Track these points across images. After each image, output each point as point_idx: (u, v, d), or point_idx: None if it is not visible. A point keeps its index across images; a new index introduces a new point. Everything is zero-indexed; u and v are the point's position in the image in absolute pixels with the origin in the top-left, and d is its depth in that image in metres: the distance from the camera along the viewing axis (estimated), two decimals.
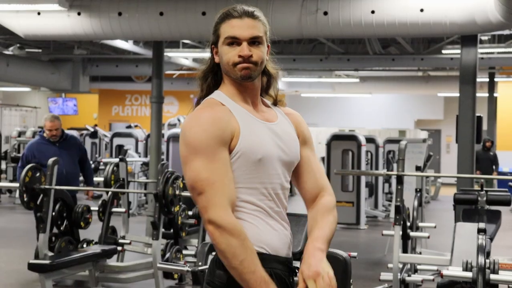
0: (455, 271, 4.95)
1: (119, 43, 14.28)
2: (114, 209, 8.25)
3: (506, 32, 12.74)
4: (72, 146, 8.19)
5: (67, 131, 18.05)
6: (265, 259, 2.37)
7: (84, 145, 17.93)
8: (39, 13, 10.71)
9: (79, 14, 10.51)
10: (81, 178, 8.65)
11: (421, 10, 9.40)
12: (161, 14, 10.23)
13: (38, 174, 7.52)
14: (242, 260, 2.27)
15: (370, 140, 14.54)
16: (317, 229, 2.46)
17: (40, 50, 18.83)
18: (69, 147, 8.13)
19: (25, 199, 7.44)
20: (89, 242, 7.85)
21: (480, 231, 4.96)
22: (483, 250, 4.60)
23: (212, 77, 2.55)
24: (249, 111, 2.47)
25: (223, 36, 2.46)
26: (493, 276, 4.56)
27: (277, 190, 2.46)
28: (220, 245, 2.27)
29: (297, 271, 2.46)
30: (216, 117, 2.40)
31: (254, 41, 2.45)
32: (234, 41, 2.44)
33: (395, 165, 13.63)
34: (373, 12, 9.55)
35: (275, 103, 2.61)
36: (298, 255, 4.51)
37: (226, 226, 2.27)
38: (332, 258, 2.68)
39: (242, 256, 2.27)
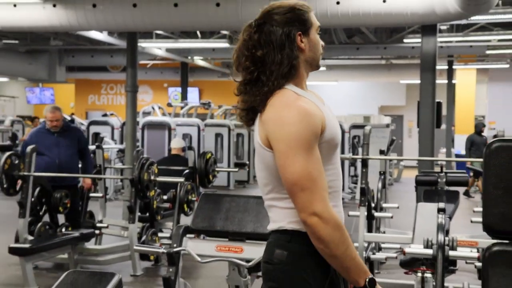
0: (417, 248, 5.01)
1: (94, 34, 14.17)
2: (91, 194, 8.23)
3: (464, 21, 12.84)
4: (71, 138, 7.96)
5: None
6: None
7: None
8: (15, 5, 10.62)
9: (54, 6, 10.42)
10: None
11: (384, 1, 9.45)
12: (135, 5, 10.18)
13: (17, 161, 7.47)
14: (345, 249, 2.30)
15: None
16: None
17: (17, 41, 18.63)
18: (68, 138, 7.91)
19: (5, 186, 7.40)
20: (67, 226, 7.80)
21: (440, 210, 5.03)
22: (442, 229, 4.67)
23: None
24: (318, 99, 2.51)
25: (316, 25, 2.49)
26: (451, 253, 4.63)
27: (339, 169, 2.53)
28: (325, 237, 2.28)
29: None
30: (311, 111, 2.35)
31: None
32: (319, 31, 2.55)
33: (360, 149, 13.71)
34: (338, 3, 9.58)
35: None
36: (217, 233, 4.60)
37: (331, 219, 2.29)
38: None
39: (345, 246, 2.30)
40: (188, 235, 5.41)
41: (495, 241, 2.48)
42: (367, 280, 2.32)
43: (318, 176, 2.31)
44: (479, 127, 16.45)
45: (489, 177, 2.48)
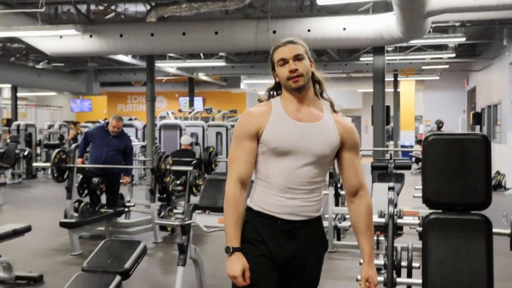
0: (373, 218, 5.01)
1: (121, 57, 14.12)
2: (121, 181, 8.21)
3: (405, 44, 12.89)
4: (121, 142, 7.78)
5: (85, 123, 17.79)
6: (255, 212, 2.44)
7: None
8: (61, 37, 10.57)
9: (90, 36, 10.37)
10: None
11: (344, 29, 9.45)
12: (152, 35, 10.15)
13: (64, 156, 7.45)
14: (225, 218, 2.40)
15: None
16: (370, 239, 2.52)
17: (62, 64, 18.57)
18: (118, 142, 7.75)
19: (55, 175, 7.38)
20: (104, 206, 7.78)
21: (390, 188, 5.03)
22: (392, 202, 4.67)
23: (275, 91, 2.54)
24: (288, 113, 2.43)
25: (276, 60, 2.46)
26: (399, 221, 4.65)
27: (291, 171, 2.39)
28: (223, 205, 2.41)
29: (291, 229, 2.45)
30: (250, 115, 2.45)
31: (298, 58, 2.42)
32: (284, 62, 2.43)
33: None
34: (309, 30, 9.57)
35: (332, 106, 2.53)
36: (219, 209, 4.59)
37: (228, 194, 2.40)
38: None
39: (226, 216, 2.40)
40: (196, 211, 5.43)
41: (432, 211, 2.50)
42: (227, 246, 2.37)
43: (235, 161, 2.41)
44: (438, 123, 16.38)
45: (427, 162, 2.49)
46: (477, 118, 16.17)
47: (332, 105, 2.52)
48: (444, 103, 21.25)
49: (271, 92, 2.54)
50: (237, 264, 2.35)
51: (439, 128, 16.17)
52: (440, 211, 2.45)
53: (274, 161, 2.40)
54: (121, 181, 8.05)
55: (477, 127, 16.80)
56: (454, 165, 2.43)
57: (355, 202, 2.50)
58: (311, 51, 2.51)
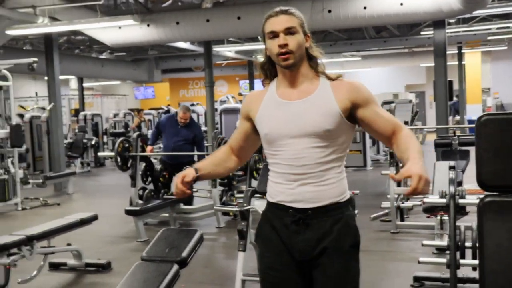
0: (434, 198, 4.91)
1: (180, 44, 14.29)
2: (185, 167, 8.32)
3: (468, 15, 12.46)
4: (190, 132, 7.87)
5: (148, 110, 18.12)
6: (269, 204, 2.31)
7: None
8: (120, 28, 10.80)
9: (148, 25, 10.56)
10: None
11: (401, 4, 9.23)
12: (208, 20, 10.23)
13: (127, 145, 7.65)
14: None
15: None
16: (413, 148, 2.13)
17: (124, 53, 19.00)
18: (187, 132, 7.86)
19: (119, 163, 7.59)
20: (166, 192, 7.94)
21: (451, 167, 4.90)
22: (453, 182, 4.55)
23: (269, 67, 2.32)
24: (279, 93, 2.26)
25: (265, 32, 2.22)
26: (461, 201, 4.52)
27: (293, 155, 2.18)
28: None
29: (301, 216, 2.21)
30: (249, 97, 2.41)
31: (290, 31, 2.18)
32: (273, 35, 2.19)
33: None
34: (365, 8, 9.41)
35: (330, 78, 2.25)
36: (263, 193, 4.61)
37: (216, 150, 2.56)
38: None
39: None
40: (255, 196, 5.48)
41: (487, 193, 2.43)
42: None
43: (232, 136, 2.48)
44: None
45: (480, 143, 2.41)
46: None
47: (328, 77, 2.27)
48: None
49: (265, 67, 2.34)
50: (181, 173, 2.34)
51: None
52: (496, 193, 2.38)
53: (275, 148, 2.23)
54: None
55: None
56: (509, 146, 2.35)
57: (395, 139, 2.22)
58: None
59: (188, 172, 2.33)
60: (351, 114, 2.23)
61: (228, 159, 2.45)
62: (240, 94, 18.02)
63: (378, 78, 25.26)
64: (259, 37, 15.76)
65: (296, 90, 2.24)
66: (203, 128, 15.12)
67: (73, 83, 23.72)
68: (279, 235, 2.23)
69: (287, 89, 2.25)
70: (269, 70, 2.33)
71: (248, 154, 2.51)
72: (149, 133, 11.65)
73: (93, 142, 15.30)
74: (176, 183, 2.32)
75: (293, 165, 2.18)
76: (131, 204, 7.49)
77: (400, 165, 7.56)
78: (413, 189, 2.01)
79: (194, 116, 16.22)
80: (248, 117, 2.36)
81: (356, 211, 2.52)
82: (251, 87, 20.48)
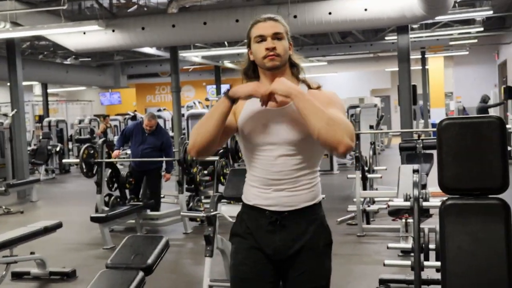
0: (398, 201, 4.97)
1: (146, 49, 14.21)
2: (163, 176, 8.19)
3: (431, 21, 12.66)
4: (156, 137, 7.75)
5: (115, 116, 17.91)
6: (245, 206, 2.35)
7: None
8: (84, 33, 10.69)
9: (113, 31, 10.47)
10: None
11: (365, 10, 9.34)
12: (173, 26, 10.20)
13: (92, 151, 7.57)
14: (208, 117, 2.27)
15: None
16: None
17: (89, 59, 18.80)
18: (154, 137, 7.73)
19: (84, 170, 7.50)
20: (133, 199, 7.87)
21: (415, 171, 4.98)
22: (417, 185, 4.62)
23: (251, 72, 2.36)
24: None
25: (253, 36, 2.28)
26: (424, 203, 4.58)
27: (270, 161, 2.25)
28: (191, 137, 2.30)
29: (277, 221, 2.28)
30: None
31: (277, 37, 2.25)
32: (261, 39, 2.25)
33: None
34: (330, 13, 9.49)
35: (309, 87, 2.31)
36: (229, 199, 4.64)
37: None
38: None
39: (207, 117, 2.28)
40: (223, 201, 5.46)
41: (448, 196, 2.47)
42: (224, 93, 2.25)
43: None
44: (485, 98, 15.71)
45: (441, 147, 2.45)
46: (509, 92, 15.81)
47: (308, 85, 2.32)
48: (474, 78, 20.89)
49: (248, 73, 2.37)
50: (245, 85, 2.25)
51: (486, 103, 15.60)
52: (457, 196, 2.42)
53: (253, 153, 2.29)
54: (162, 174, 8.09)
55: (510, 102, 16.45)
56: (470, 149, 2.39)
57: None
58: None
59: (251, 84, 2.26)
60: None
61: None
62: (207, 99, 17.96)
63: (344, 83, 25.52)
64: (226, 43, 15.79)
65: (276, 96, 2.24)
66: (170, 133, 15.04)
67: (37, 89, 23.35)
68: (253, 235, 2.30)
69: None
70: (251, 76, 2.37)
71: (217, 143, 2.34)
72: (115, 139, 11.52)
73: (57, 149, 15.09)
74: (257, 90, 2.21)
75: (269, 170, 2.25)
76: (96, 211, 7.41)
77: (366, 168, 7.64)
78: (264, 98, 2.16)
79: (161, 121, 16.12)
80: (234, 113, 2.32)
81: None
82: (218, 92, 20.47)
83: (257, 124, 2.28)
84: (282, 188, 2.25)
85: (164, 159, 7.85)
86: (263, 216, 2.27)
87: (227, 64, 19.94)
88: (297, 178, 2.25)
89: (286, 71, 2.31)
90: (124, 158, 9.66)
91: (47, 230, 5.60)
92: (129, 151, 8.48)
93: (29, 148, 13.92)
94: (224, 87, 22.41)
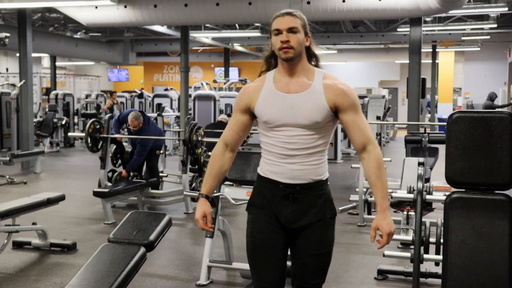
0: (402, 193, 4.97)
1: (157, 28, 14.15)
2: (158, 151, 8.22)
3: (444, 14, 12.58)
4: (142, 135, 7.62)
5: (121, 93, 17.88)
6: (262, 178, 2.61)
7: (133, 104, 18.10)
8: (96, 7, 10.66)
9: (125, 7, 10.42)
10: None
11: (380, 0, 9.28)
12: (186, 5, 10.15)
13: (98, 126, 7.57)
14: (207, 171, 2.71)
15: None
16: (382, 188, 2.51)
17: (99, 34, 18.74)
18: (140, 135, 7.62)
19: (90, 145, 7.52)
20: (137, 176, 7.88)
21: (420, 164, 4.97)
22: (421, 178, 4.61)
23: (273, 60, 2.62)
24: (277, 86, 2.54)
25: (272, 29, 2.53)
26: (428, 197, 4.58)
27: (286, 140, 2.51)
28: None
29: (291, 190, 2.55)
30: (244, 91, 2.63)
31: (292, 30, 2.48)
32: (278, 32, 2.50)
33: None
34: (344, 1, 9.43)
35: (325, 76, 2.57)
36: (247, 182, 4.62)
37: (212, 152, 2.71)
38: None
39: (207, 169, 2.71)
40: (225, 183, 5.47)
41: (455, 190, 2.46)
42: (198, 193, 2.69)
43: (226, 129, 2.69)
44: (492, 96, 15.53)
45: (451, 140, 2.45)
46: None
47: (325, 74, 2.57)
48: (484, 75, 20.79)
49: (269, 60, 2.64)
50: (199, 209, 2.62)
51: (493, 101, 15.45)
52: (463, 190, 2.41)
53: (270, 132, 2.54)
54: (158, 152, 8.07)
55: None
56: (479, 144, 2.38)
57: (365, 157, 2.55)
58: (311, 24, 2.51)
59: (205, 209, 2.64)
60: (336, 112, 2.54)
61: (224, 161, 2.70)
62: (215, 81, 17.94)
63: (353, 72, 25.42)
64: (237, 25, 15.73)
65: (292, 83, 2.54)
66: (176, 113, 15.04)
67: (46, 61, 23.32)
68: (270, 205, 2.56)
69: (284, 81, 2.55)
70: (272, 62, 2.63)
71: (240, 144, 2.75)
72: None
73: (63, 122, 15.10)
74: (198, 221, 2.63)
75: (284, 147, 2.52)
76: (99, 186, 7.44)
77: None
78: (383, 246, 2.51)
79: (167, 101, 16.11)
80: (247, 109, 2.61)
81: None
82: (226, 75, 20.42)
83: (275, 109, 2.51)
84: (295, 162, 2.51)
85: (164, 138, 7.83)
86: (277, 189, 2.54)
87: (237, 47, 19.87)
88: (310, 153, 2.52)
89: (302, 61, 2.54)
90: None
91: (49, 202, 5.62)
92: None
93: (35, 120, 13.92)
94: (232, 70, 22.37)
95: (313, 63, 2.60)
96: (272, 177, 2.55)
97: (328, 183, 2.64)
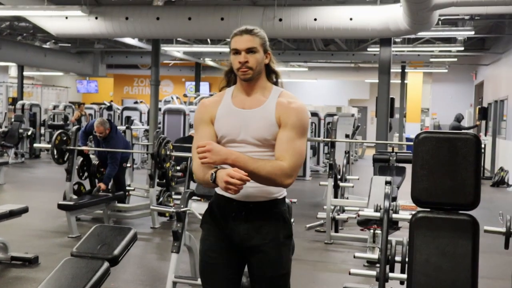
0: (368, 212, 5.00)
1: (128, 40, 14.10)
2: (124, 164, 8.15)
3: (413, 36, 12.82)
4: (107, 146, 7.49)
5: (90, 105, 17.68)
6: (216, 195, 2.56)
7: (102, 116, 17.92)
8: (66, 18, 10.57)
9: (96, 18, 10.37)
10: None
11: (351, 19, 9.41)
12: (158, 18, 10.14)
13: (65, 138, 7.47)
14: (204, 174, 2.42)
15: (314, 114, 14.32)
16: (257, 160, 2.38)
17: (69, 45, 18.58)
18: (106, 145, 7.50)
19: (56, 157, 7.41)
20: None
21: (387, 182, 5.01)
22: (388, 197, 4.65)
23: (233, 75, 2.60)
24: (234, 101, 2.53)
25: (231, 48, 2.52)
26: (394, 215, 4.61)
27: None
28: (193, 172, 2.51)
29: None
30: (202, 105, 2.61)
31: (251, 51, 2.47)
32: (236, 52, 2.48)
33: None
34: (315, 19, 9.53)
35: (281, 95, 2.53)
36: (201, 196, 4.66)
37: (197, 175, 2.48)
38: None
39: (203, 173, 2.44)
40: (194, 198, 5.44)
41: (420, 209, 2.49)
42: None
43: (197, 142, 2.44)
44: (458, 117, 15.72)
45: (417, 160, 2.48)
46: (483, 113, 16.07)
47: (280, 94, 2.53)
48: (451, 97, 21.16)
49: (229, 75, 2.62)
50: (225, 171, 2.32)
51: (459, 122, 15.70)
52: (429, 210, 2.44)
53: (226, 147, 2.46)
54: (125, 165, 7.99)
55: (483, 122, 16.71)
56: (444, 164, 2.42)
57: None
58: (272, 42, 2.52)
59: (227, 170, 2.34)
60: None
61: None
62: (185, 96, 17.89)
63: (323, 90, 25.67)
64: (208, 40, 15.77)
65: (249, 100, 2.53)
66: (145, 126, 14.93)
67: (13, 70, 22.97)
68: (222, 223, 2.50)
69: (242, 98, 2.54)
70: (232, 78, 2.62)
71: None
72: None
73: (29, 133, 14.86)
74: (233, 176, 2.28)
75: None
76: (64, 198, 7.32)
77: (339, 176, 7.68)
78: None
79: (137, 114, 16.00)
80: (209, 121, 2.56)
81: (292, 220, 2.66)
82: (197, 89, 20.39)
83: (230, 123, 2.49)
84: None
85: (132, 151, 7.77)
86: (231, 206, 2.48)
87: (208, 61, 19.90)
88: None
89: (261, 79, 2.54)
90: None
91: (12, 214, 5.52)
92: None
93: None
94: (203, 85, 22.37)
95: (273, 79, 2.59)
96: (226, 194, 2.47)
97: (286, 201, 2.58)
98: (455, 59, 18.48)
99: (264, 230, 2.46)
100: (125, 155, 8.00)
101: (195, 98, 17.28)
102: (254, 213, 2.46)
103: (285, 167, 2.38)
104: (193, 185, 7.58)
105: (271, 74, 2.58)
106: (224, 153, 2.34)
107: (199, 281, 4.71)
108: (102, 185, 7.55)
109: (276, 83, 2.59)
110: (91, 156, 8.07)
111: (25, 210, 5.68)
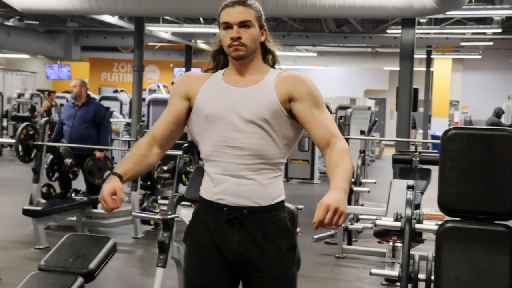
0: (387, 221, 5.01)
1: (107, 18, 14.08)
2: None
3: (441, 16, 12.80)
4: (87, 111, 7.73)
5: (62, 93, 17.71)
6: (202, 200, 2.52)
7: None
8: None
9: None
10: None
11: None
12: None
13: (32, 132, 7.47)
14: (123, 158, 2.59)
15: None
16: (340, 170, 2.32)
17: (37, 22, 18.54)
18: (84, 111, 7.72)
19: (21, 153, 7.41)
20: (77, 192, 7.79)
21: (409, 187, 5.02)
22: (410, 204, 4.66)
23: (222, 56, 2.57)
24: (225, 79, 2.50)
25: (220, 22, 2.47)
26: (418, 225, 4.62)
27: (228, 144, 2.42)
28: None
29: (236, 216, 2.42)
30: (187, 76, 2.62)
31: (244, 25, 2.43)
32: (227, 26, 2.44)
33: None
34: None
35: (281, 73, 2.53)
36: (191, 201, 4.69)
37: (136, 142, 2.64)
38: None
39: (126, 156, 2.60)
40: (184, 203, 5.44)
41: (448, 218, 2.49)
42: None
43: (158, 121, 2.60)
44: (498, 112, 15.66)
45: (445, 160, 2.48)
46: None
47: (279, 72, 2.54)
48: (485, 87, 21.19)
49: (217, 57, 2.59)
50: (108, 186, 2.42)
51: (499, 118, 15.63)
52: (458, 219, 2.45)
53: (211, 134, 2.45)
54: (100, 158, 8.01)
55: None
56: (477, 166, 2.42)
57: (328, 152, 2.42)
58: (268, 16, 2.52)
59: (115, 185, 2.44)
60: (291, 111, 2.45)
61: (150, 154, 2.58)
62: (173, 84, 17.91)
63: (334, 79, 25.68)
64: (201, 19, 15.77)
65: (243, 79, 2.49)
66: (126, 119, 14.94)
67: None
68: (211, 234, 2.44)
69: (235, 77, 2.51)
70: (221, 60, 2.58)
71: (172, 142, 2.65)
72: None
73: None
74: (104, 199, 2.41)
75: (228, 153, 2.42)
76: (31, 203, 7.31)
77: (353, 180, 7.69)
78: (317, 220, 2.24)
79: (117, 105, 16.00)
80: (186, 96, 2.53)
81: (298, 229, 2.65)
82: None
83: (219, 102, 2.45)
84: (241, 175, 2.41)
85: (112, 148, 7.79)
86: (221, 213, 2.42)
87: (201, 44, 19.90)
88: (259, 164, 2.41)
89: (256, 59, 2.51)
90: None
91: None
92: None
93: None
94: (194, 70, 22.37)
95: (270, 62, 2.56)
96: (214, 199, 2.43)
97: (292, 208, 2.57)
98: (491, 43, 18.44)
99: (262, 242, 2.40)
100: (104, 141, 8.00)
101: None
102: (250, 220, 2.40)
103: (342, 143, 2.41)
104: (182, 188, 7.58)
105: (267, 55, 2.56)
106: (336, 202, 2.22)
107: None
108: (98, 153, 7.64)
109: (273, 66, 2.57)
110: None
111: None
